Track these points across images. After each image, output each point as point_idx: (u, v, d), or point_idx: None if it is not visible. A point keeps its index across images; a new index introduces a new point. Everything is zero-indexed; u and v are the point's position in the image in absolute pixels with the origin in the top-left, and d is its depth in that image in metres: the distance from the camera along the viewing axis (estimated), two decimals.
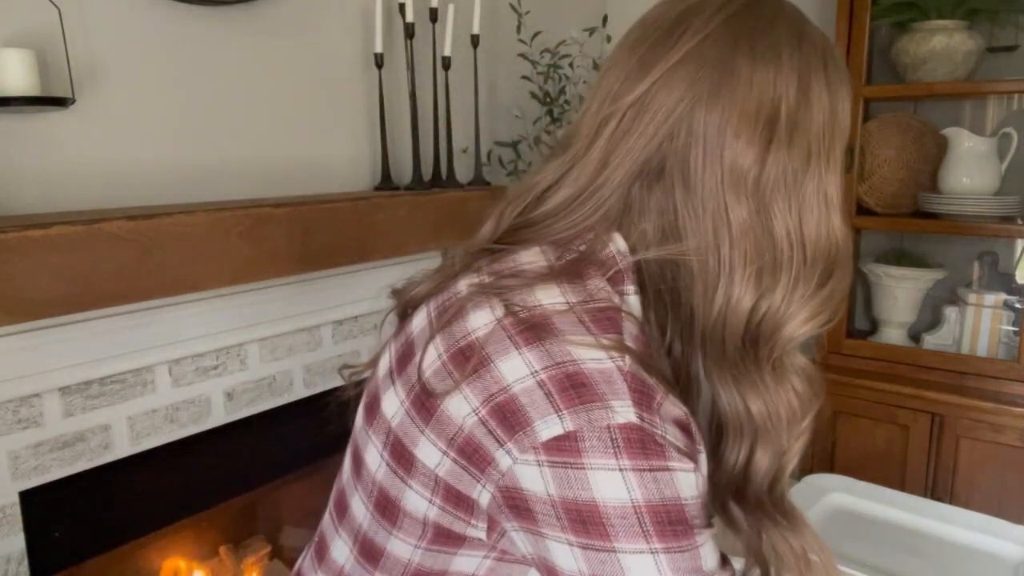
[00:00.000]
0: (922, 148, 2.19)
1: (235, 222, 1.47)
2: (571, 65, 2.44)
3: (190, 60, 1.65)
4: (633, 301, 0.61)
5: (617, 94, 0.62)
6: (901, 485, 2.06)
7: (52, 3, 1.38)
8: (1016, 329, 2.06)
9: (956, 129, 2.10)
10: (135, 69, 1.55)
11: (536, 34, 2.42)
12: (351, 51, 1.98)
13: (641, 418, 0.53)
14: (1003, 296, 2.11)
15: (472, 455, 0.57)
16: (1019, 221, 2.04)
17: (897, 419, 2.10)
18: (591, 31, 2.49)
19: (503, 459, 0.55)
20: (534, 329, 0.55)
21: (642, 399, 0.54)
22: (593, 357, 0.54)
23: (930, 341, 2.20)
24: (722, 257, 0.58)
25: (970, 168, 2.07)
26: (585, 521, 0.53)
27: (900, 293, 2.23)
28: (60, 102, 1.38)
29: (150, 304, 1.46)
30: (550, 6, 2.62)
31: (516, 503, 0.56)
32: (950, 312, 2.19)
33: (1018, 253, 2.20)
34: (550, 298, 0.57)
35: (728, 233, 0.57)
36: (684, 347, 0.62)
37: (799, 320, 0.58)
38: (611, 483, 0.52)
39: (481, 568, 0.63)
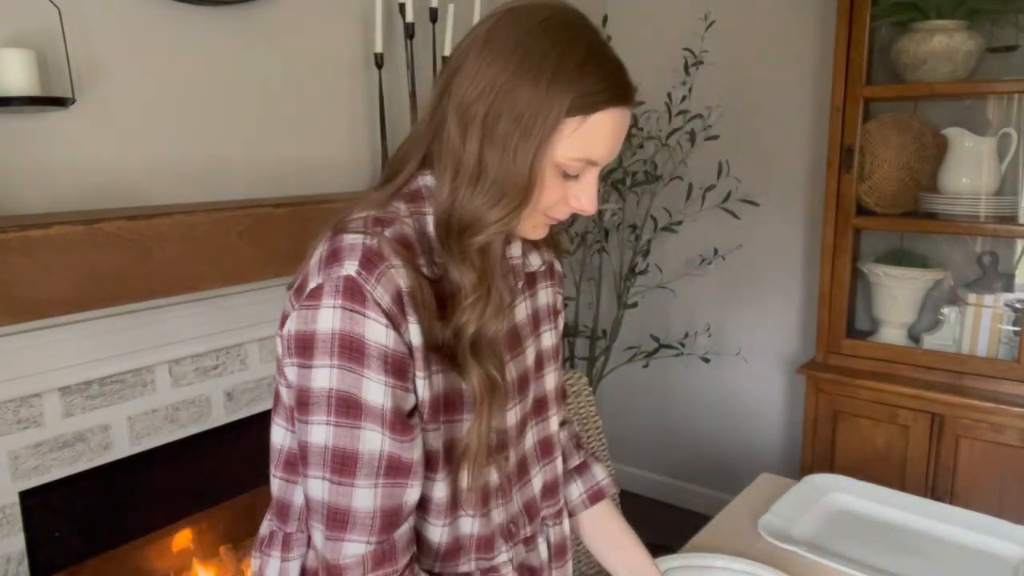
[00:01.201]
0: (922, 148, 2.19)
1: (235, 222, 1.47)
2: None
3: (190, 60, 1.65)
4: (431, 220, 0.82)
5: None
6: (901, 485, 2.06)
7: (52, 3, 1.38)
8: (1016, 329, 2.06)
9: (956, 129, 2.10)
10: (135, 69, 1.55)
11: None
12: (351, 51, 1.98)
13: (358, 273, 0.74)
14: (1003, 296, 2.11)
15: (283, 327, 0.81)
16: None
17: (897, 419, 2.10)
18: None
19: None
20: (337, 231, 0.79)
21: (367, 263, 0.74)
22: (353, 238, 0.76)
23: (930, 341, 2.20)
24: (443, 168, 0.81)
25: (970, 168, 2.07)
26: (304, 346, 0.76)
27: (900, 293, 2.23)
28: (60, 102, 1.38)
29: (150, 304, 1.46)
30: None
31: (281, 350, 0.80)
32: (950, 312, 2.19)
33: (1018, 253, 2.20)
34: (359, 214, 0.80)
35: (449, 152, 0.79)
36: None
37: (479, 225, 0.78)
38: (326, 317, 0.74)
39: None
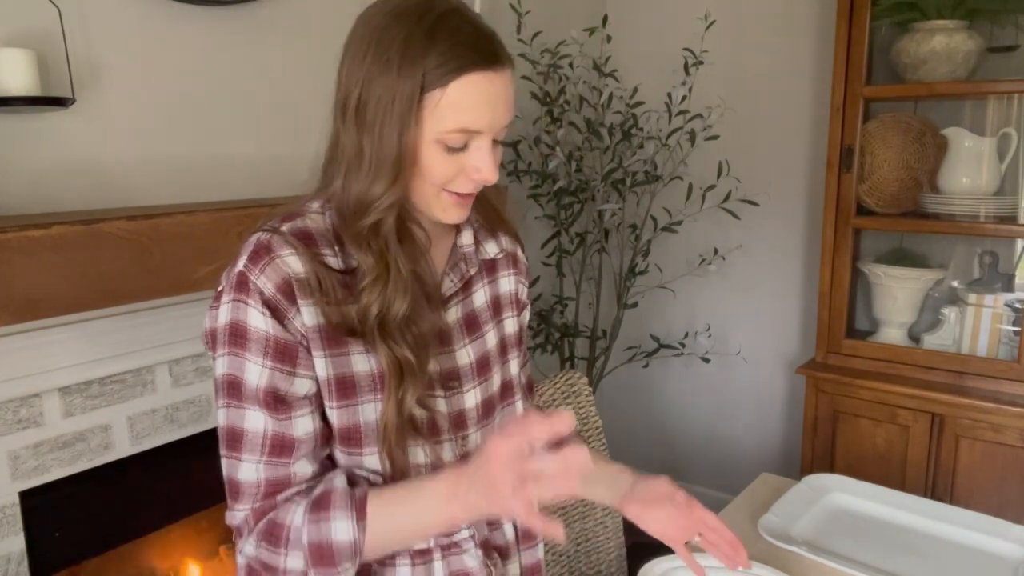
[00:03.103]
0: (922, 148, 2.19)
1: (235, 222, 1.47)
2: (571, 65, 2.43)
3: (190, 60, 1.65)
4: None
5: None
6: (901, 485, 2.06)
7: (52, 3, 1.39)
8: (1016, 329, 2.06)
9: (956, 129, 2.10)
10: (135, 69, 1.55)
11: (536, 34, 2.42)
12: None
13: (246, 267, 0.81)
14: (1003, 296, 2.11)
15: None
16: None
17: (897, 419, 2.10)
18: (591, 31, 2.49)
19: None
20: (249, 234, 0.85)
21: (254, 257, 0.81)
22: (252, 237, 0.84)
23: (930, 341, 2.20)
24: (338, 162, 0.86)
25: (970, 168, 2.07)
26: (212, 341, 0.84)
27: (900, 293, 2.23)
28: (60, 102, 1.38)
29: (150, 304, 1.46)
30: (550, 6, 2.62)
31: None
32: (950, 312, 2.18)
33: (1018, 253, 2.19)
34: (279, 214, 0.87)
35: (339, 147, 0.86)
36: None
37: (365, 205, 0.83)
38: (223, 311, 0.82)
39: None
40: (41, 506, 1.40)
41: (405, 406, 0.84)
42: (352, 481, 0.85)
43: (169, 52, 1.61)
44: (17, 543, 1.36)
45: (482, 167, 0.84)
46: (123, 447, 1.51)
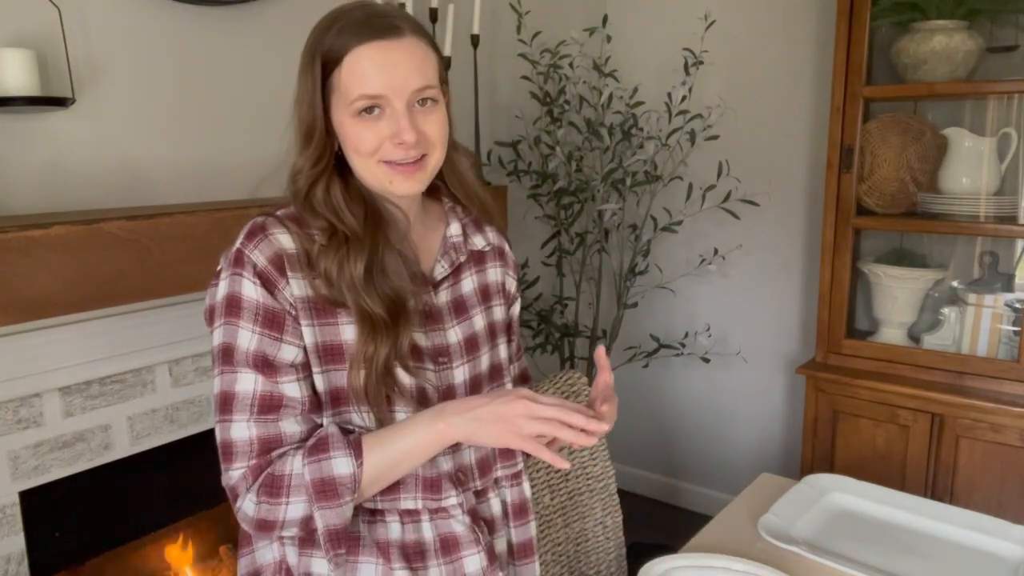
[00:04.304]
0: (922, 148, 2.19)
1: (235, 222, 1.46)
2: (571, 65, 2.43)
3: (190, 60, 1.65)
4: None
5: None
6: (901, 485, 2.06)
7: (52, 3, 1.39)
8: (1016, 329, 2.06)
9: (956, 129, 2.10)
10: (135, 69, 1.55)
11: (536, 34, 2.42)
12: None
13: (242, 244, 0.90)
14: (1003, 296, 2.11)
15: None
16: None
17: (897, 419, 2.10)
18: (591, 31, 2.49)
19: None
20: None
21: (250, 234, 0.91)
22: (252, 219, 0.93)
23: (930, 341, 2.20)
24: None
25: (970, 168, 2.07)
26: (211, 315, 0.91)
27: (900, 293, 2.23)
28: (60, 102, 1.38)
29: (150, 304, 1.46)
30: (550, 6, 2.62)
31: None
32: (950, 312, 2.18)
33: (1018, 253, 2.19)
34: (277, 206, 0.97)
35: None
36: None
37: (297, 174, 0.96)
38: (222, 286, 0.90)
39: None
40: (41, 506, 1.40)
41: (376, 362, 0.89)
42: (344, 431, 0.91)
43: (169, 52, 1.61)
44: (17, 543, 1.36)
45: (396, 128, 0.89)
46: (123, 447, 1.51)
